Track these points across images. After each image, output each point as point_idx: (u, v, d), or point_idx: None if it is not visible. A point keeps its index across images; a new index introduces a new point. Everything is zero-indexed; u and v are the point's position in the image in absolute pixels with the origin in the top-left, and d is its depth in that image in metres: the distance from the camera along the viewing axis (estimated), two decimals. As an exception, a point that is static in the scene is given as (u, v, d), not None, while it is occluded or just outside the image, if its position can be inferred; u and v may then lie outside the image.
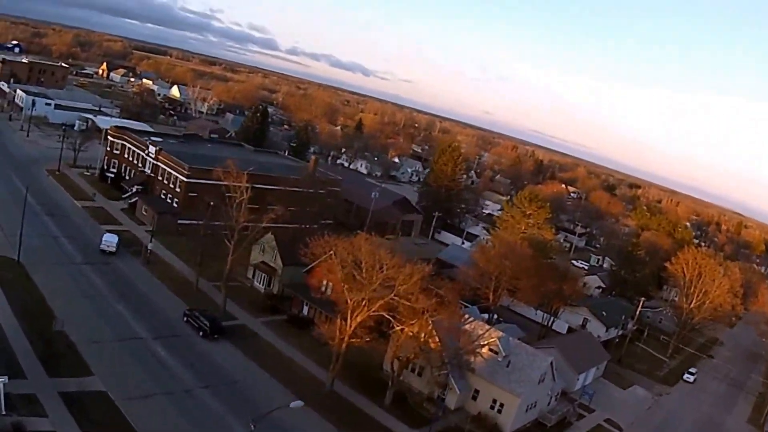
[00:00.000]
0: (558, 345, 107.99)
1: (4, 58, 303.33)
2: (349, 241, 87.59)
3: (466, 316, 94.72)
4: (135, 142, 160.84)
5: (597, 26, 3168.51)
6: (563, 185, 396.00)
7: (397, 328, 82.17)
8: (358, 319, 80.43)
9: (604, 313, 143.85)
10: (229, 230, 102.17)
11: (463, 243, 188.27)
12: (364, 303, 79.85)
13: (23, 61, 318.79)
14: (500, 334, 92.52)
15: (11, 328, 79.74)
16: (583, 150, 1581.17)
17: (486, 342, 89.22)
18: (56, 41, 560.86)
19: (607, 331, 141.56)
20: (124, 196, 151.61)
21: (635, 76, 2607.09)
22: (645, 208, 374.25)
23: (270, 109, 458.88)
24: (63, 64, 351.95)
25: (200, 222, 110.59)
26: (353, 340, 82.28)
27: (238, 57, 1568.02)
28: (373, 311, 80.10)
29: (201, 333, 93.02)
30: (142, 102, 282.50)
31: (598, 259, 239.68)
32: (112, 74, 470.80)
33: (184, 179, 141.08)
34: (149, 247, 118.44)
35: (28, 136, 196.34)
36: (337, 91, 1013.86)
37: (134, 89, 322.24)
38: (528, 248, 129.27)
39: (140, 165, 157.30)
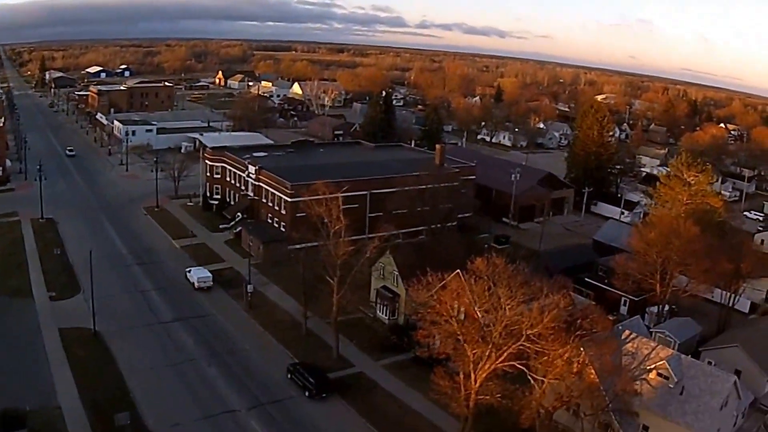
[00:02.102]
0: (741, 341, 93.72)
1: (99, 89, 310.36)
2: (459, 276, 75.72)
3: (626, 334, 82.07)
4: (234, 163, 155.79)
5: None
6: (721, 125, 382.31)
7: (537, 378, 69.92)
8: (483, 374, 68.62)
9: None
10: (329, 266, 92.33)
11: (622, 214, 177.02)
12: (489, 353, 68.16)
13: (121, 88, 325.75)
14: (669, 352, 79.03)
15: (76, 423, 74.38)
16: (735, 82, 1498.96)
17: (653, 366, 76.35)
18: (169, 57, 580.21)
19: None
20: (225, 226, 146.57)
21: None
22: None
23: (402, 90, 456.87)
24: (166, 83, 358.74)
25: (312, 245, 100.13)
26: (481, 397, 70.07)
27: (366, 40, 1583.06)
28: (500, 362, 68.24)
29: (306, 393, 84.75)
30: (257, 109, 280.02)
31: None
32: (229, 81, 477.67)
33: (288, 199, 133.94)
34: (249, 289, 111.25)
35: (127, 170, 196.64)
36: (474, 59, 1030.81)
37: (246, 96, 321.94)
38: (693, 226, 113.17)
39: (243, 188, 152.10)
